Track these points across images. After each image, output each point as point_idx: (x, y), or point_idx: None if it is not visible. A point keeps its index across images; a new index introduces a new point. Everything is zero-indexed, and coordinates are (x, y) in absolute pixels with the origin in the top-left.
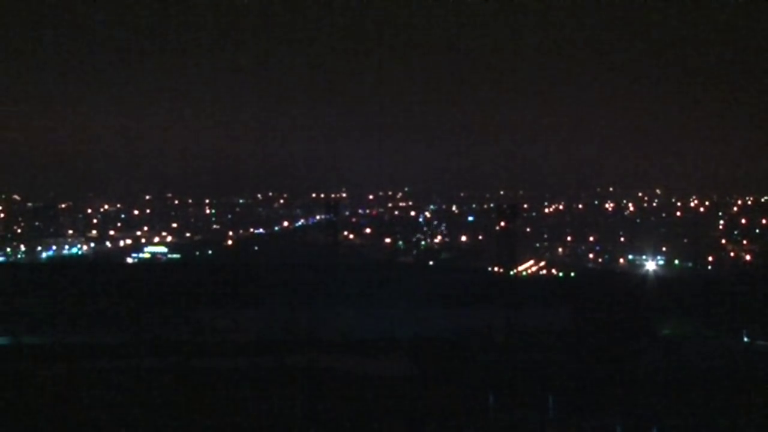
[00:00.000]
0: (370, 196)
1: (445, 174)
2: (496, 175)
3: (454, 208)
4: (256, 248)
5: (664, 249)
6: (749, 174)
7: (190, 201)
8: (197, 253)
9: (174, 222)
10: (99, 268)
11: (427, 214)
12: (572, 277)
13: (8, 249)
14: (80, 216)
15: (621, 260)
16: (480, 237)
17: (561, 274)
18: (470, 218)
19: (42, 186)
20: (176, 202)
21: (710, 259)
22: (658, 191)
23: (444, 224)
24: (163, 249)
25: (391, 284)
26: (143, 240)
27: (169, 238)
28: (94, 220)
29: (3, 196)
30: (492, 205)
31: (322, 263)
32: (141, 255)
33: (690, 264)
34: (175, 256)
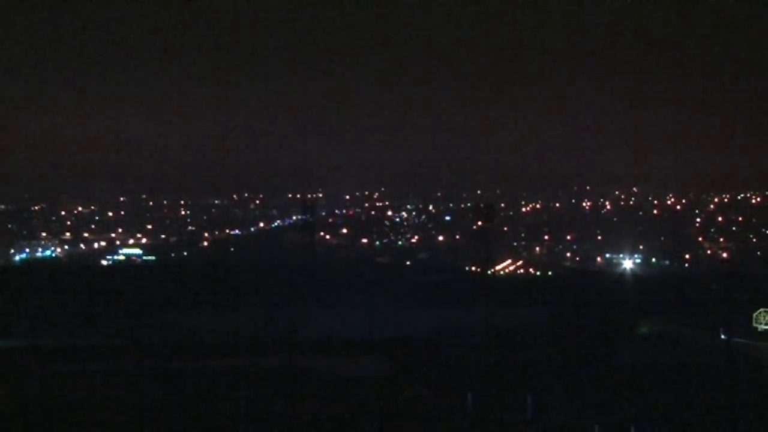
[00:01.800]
0: (347, 197)
1: (422, 174)
2: (474, 175)
3: (431, 207)
4: (232, 249)
5: (641, 247)
6: (726, 171)
7: (165, 202)
8: (173, 254)
9: (149, 224)
10: (73, 271)
11: (404, 214)
12: (550, 276)
13: None
14: (54, 218)
15: (598, 259)
16: (457, 237)
17: (539, 273)
18: (447, 218)
19: (15, 188)
20: (151, 203)
21: (687, 257)
22: (635, 189)
23: (421, 224)
24: (138, 251)
25: (368, 284)
26: (118, 242)
27: (144, 240)
28: (68, 222)
29: None
30: (469, 204)
31: (298, 264)
32: (116, 257)
33: (667, 262)
34: (150, 258)
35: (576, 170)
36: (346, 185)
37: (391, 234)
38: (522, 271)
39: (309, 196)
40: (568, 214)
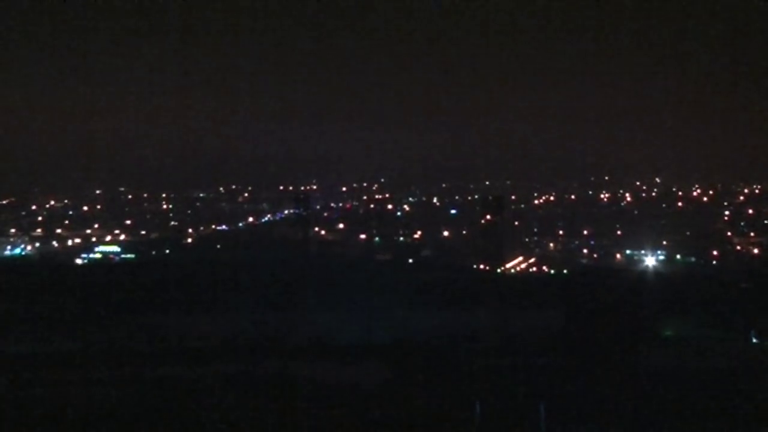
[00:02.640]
0: (343, 188)
1: (424, 164)
2: (481, 164)
3: (435, 200)
4: (218, 246)
5: (664, 243)
6: (756, 160)
7: (145, 195)
8: (154, 252)
9: (128, 219)
10: (45, 270)
11: (406, 207)
12: (565, 274)
13: None
14: (24, 213)
15: (618, 256)
16: (464, 232)
17: (553, 271)
18: (453, 211)
19: None
20: (130, 196)
21: (714, 253)
22: (657, 180)
23: (424, 218)
24: (116, 248)
25: (368, 284)
26: (94, 239)
27: (122, 237)
28: (40, 218)
29: None
30: (476, 196)
31: (291, 262)
32: (92, 255)
33: (693, 259)
34: (129, 256)
35: (593, 159)
36: (343, 176)
37: (392, 229)
38: (534, 268)
39: (302, 188)
40: (584, 207)
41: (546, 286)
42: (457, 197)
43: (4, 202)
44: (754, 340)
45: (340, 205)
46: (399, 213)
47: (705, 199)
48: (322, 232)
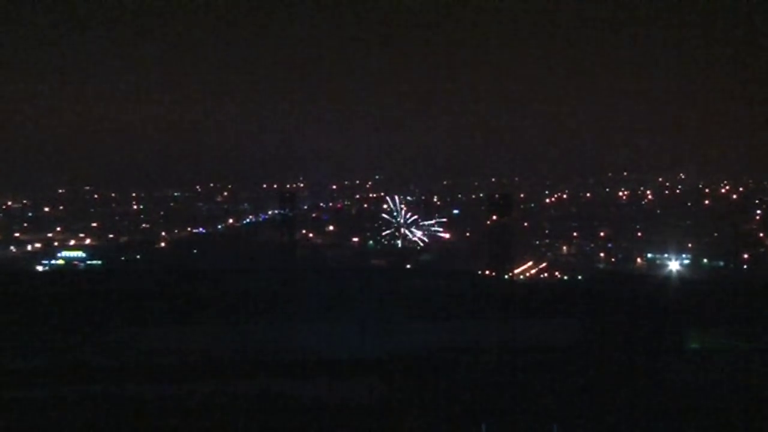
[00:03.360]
0: (333, 186)
1: (423, 159)
2: (486, 159)
3: (435, 199)
4: (195, 251)
5: (689, 245)
6: None
7: (113, 195)
8: (123, 258)
9: (94, 221)
10: (1, 278)
11: (403, 206)
12: (580, 280)
13: None
14: None
15: (638, 260)
16: (468, 234)
17: (566, 277)
18: (455, 211)
19: None
20: (96, 196)
21: (746, 256)
22: (682, 176)
23: (424, 219)
24: (81, 254)
25: (361, 292)
26: (56, 243)
27: (88, 241)
28: None
29: None
30: (482, 195)
31: (276, 268)
32: (54, 262)
33: (721, 263)
34: (96, 262)
35: (611, 153)
36: (333, 173)
37: (388, 231)
38: (546, 274)
39: (288, 186)
40: (601, 206)
41: (559, 294)
42: (460, 195)
43: None
44: None
45: (330, 204)
46: (396, 213)
47: (734, 197)
48: (310, 235)
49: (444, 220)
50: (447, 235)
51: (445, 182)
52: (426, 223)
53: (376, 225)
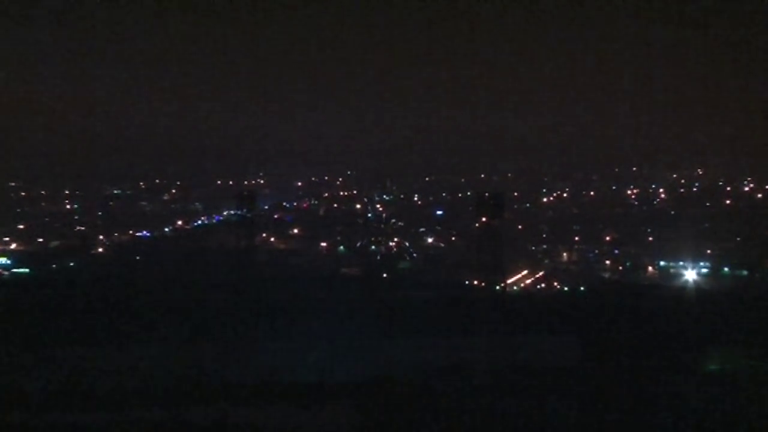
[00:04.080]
0: (299, 183)
1: (402, 152)
2: (475, 153)
3: (416, 198)
4: (138, 258)
5: (708, 251)
6: None
7: (43, 193)
8: (55, 265)
9: (21, 222)
10: None
11: (379, 206)
12: (582, 292)
13: None
14: None
15: (649, 268)
16: (453, 238)
17: (566, 288)
18: (438, 212)
19: None
20: (23, 194)
21: None
22: (699, 172)
23: (403, 221)
24: (4, 260)
25: (331, 306)
26: None
27: (13, 246)
28: None
29: None
30: (469, 193)
31: (232, 278)
32: None
33: (745, 272)
34: (22, 270)
35: (618, 146)
36: (298, 168)
37: (362, 235)
38: (543, 285)
39: (246, 182)
40: (606, 207)
41: (558, 308)
42: (444, 194)
43: None
44: None
45: (295, 204)
46: (370, 215)
47: (759, 196)
48: (272, 239)
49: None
50: (429, 240)
51: (427, 179)
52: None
53: (347, 227)
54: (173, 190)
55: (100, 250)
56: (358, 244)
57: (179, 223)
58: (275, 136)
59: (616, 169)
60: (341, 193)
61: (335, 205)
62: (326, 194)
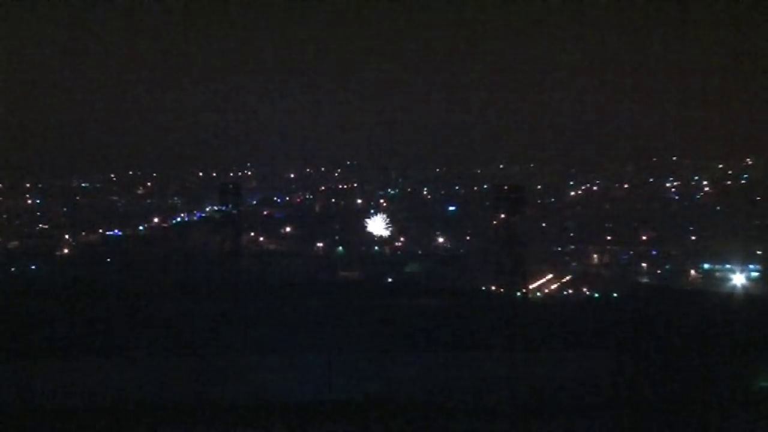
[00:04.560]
0: (291, 175)
1: (409, 139)
2: (492, 140)
3: (425, 191)
4: (108, 260)
5: (758, 252)
6: None
7: (0, 186)
8: (13, 269)
9: None
10: None
11: (382, 201)
12: (614, 299)
13: None
14: None
15: (691, 272)
16: (467, 237)
17: (597, 294)
18: (451, 208)
19: None
20: None
21: None
22: (749, 161)
23: (409, 218)
24: None
25: (327, 314)
26: None
27: None
28: None
29: None
30: (486, 186)
31: (216, 284)
32: None
33: None
34: None
35: (656, 132)
36: (290, 158)
37: (363, 234)
38: (571, 291)
39: (231, 174)
40: (642, 202)
41: (587, 317)
42: (456, 187)
43: None
44: None
45: (287, 199)
46: (373, 211)
47: None
48: (261, 239)
49: None
50: (440, 240)
51: (437, 170)
52: None
53: (347, 225)
54: (148, 183)
55: (65, 251)
56: (358, 244)
57: (155, 220)
58: (264, 122)
59: (654, 160)
60: (340, 187)
61: (333, 200)
62: (322, 188)
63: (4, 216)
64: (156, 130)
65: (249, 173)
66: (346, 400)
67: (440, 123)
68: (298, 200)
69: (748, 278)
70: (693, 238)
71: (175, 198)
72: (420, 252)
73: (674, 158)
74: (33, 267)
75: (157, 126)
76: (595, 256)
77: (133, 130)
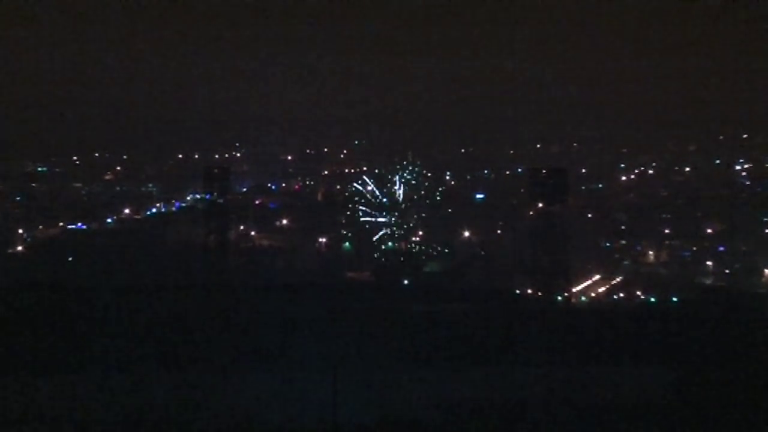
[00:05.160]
0: (288, 157)
1: (430, 114)
2: (527, 115)
3: (448, 176)
4: (70, 259)
5: None
6: None
7: None
8: None
9: None
10: None
11: (398, 188)
12: (675, 304)
13: None
14: None
15: (766, 271)
16: (498, 231)
17: (653, 299)
18: (479, 196)
19: None
20: None
21: None
22: None
23: (429, 207)
24: None
25: (332, 324)
26: None
27: None
28: None
29: None
30: (520, 170)
31: (199, 288)
32: None
33: None
34: None
35: (723, 104)
36: (287, 137)
37: (374, 227)
38: (622, 294)
39: (217, 156)
40: (707, 188)
41: (642, 327)
42: (485, 171)
43: None
44: None
45: (283, 185)
46: (385, 199)
47: None
48: (253, 234)
49: None
50: (466, 233)
51: (463, 150)
52: None
53: (355, 217)
54: (118, 168)
55: (20, 248)
56: (369, 239)
57: (126, 211)
58: (257, 93)
59: (721, 138)
60: (346, 171)
61: (338, 187)
62: (325, 172)
63: None
64: (127, 104)
65: (238, 155)
66: (356, 424)
67: (465, 95)
68: (297, 187)
69: None
70: None
71: (150, 185)
72: (442, 248)
73: (745, 136)
74: None
75: (128, 98)
76: (650, 253)
77: (99, 104)
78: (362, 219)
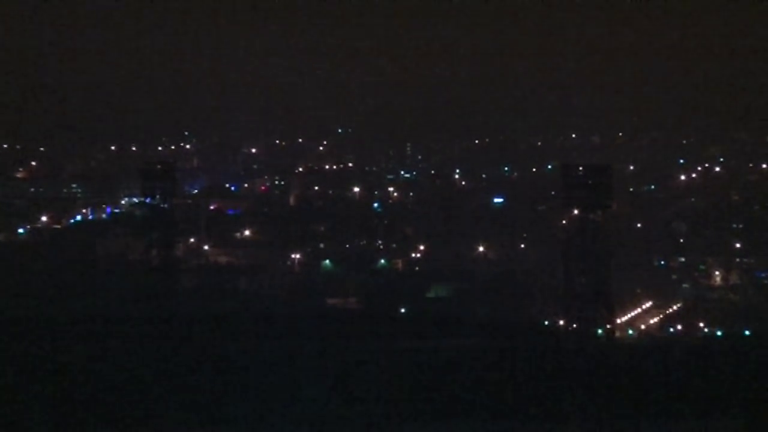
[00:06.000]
0: (253, 150)
1: (432, 95)
2: (558, 99)
3: (456, 174)
4: None
5: None
6: None
7: None
8: None
9: None
10: None
11: (392, 189)
12: (748, 339)
13: None
14: None
15: None
16: (522, 245)
17: (719, 332)
18: (497, 200)
19: None
20: None
21: None
22: None
23: (432, 214)
24: None
25: (309, 367)
26: None
27: None
28: None
29: None
30: (550, 167)
31: (136, 316)
32: None
33: None
34: None
35: None
36: (251, 126)
37: (362, 240)
38: (680, 326)
39: (160, 149)
40: None
41: (708, 369)
42: (505, 168)
43: None
44: None
45: (246, 185)
46: (377, 204)
47: None
48: (206, 247)
49: None
50: (480, 248)
51: (476, 141)
52: None
53: (337, 226)
54: (32, 163)
55: None
56: (357, 254)
57: (44, 219)
58: (212, 70)
59: None
60: (326, 167)
61: (316, 188)
62: (300, 168)
63: None
64: (47, 84)
65: (188, 146)
66: None
67: (478, 73)
68: (263, 188)
69: None
70: None
71: (74, 185)
72: (450, 267)
73: None
74: None
75: (49, 78)
76: (716, 273)
77: (13, 84)
78: (346, 230)
